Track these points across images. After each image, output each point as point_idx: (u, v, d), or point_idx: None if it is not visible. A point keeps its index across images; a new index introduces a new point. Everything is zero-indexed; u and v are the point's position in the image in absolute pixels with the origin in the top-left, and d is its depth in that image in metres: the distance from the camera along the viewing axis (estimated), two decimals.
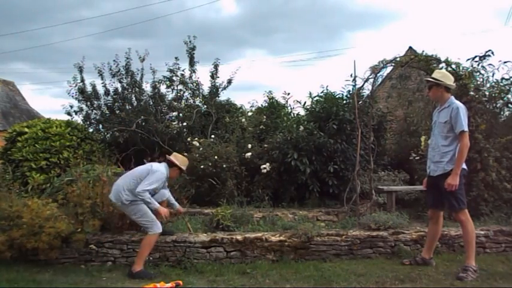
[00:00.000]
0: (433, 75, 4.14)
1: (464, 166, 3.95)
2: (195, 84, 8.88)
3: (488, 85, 6.04)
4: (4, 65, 57.14)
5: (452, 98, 4.07)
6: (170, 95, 8.86)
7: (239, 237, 4.48)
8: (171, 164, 4.42)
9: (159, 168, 4.29)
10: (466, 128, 3.85)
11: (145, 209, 4.13)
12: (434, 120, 4.18)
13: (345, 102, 6.71)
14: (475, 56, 6.00)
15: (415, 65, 6.31)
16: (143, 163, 5.01)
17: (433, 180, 4.07)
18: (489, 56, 5.93)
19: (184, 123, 8.43)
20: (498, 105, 6.16)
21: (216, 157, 6.29)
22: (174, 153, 4.64)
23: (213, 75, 8.88)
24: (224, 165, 6.24)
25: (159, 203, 4.26)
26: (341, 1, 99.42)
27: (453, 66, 5.96)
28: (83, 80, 8.97)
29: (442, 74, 4.16)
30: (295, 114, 7.92)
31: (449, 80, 4.08)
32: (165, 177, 4.32)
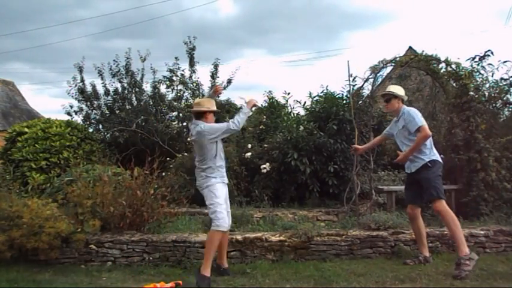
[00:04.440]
0: (389, 90, 4.45)
1: (439, 159, 4.23)
2: (195, 84, 8.89)
3: (487, 85, 6.05)
4: (2, 65, 57.17)
5: (403, 106, 4.40)
6: (170, 95, 8.89)
7: (239, 237, 4.47)
8: (200, 115, 4.04)
9: (203, 126, 3.92)
10: (422, 123, 4.12)
11: (214, 190, 3.80)
12: (395, 132, 4.48)
13: (344, 102, 6.71)
14: (475, 56, 6.01)
15: (415, 65, 6.32)
16: (143, 163, 5.03)
17: (413, 176, 4.30)
18: (488, 56, 5.93)
19: (184, 123, 8.43)
20: (498, 105, 6.17)
21: None
22: (196, 101, 4.23)
23: (213, 75, 8.90)
24: None
25: None
26: (339, 1, 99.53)
27: (453, 66, 5.97)
28: (82, 80, 8.99)
29: (396, 88, 4.49)
30: (295, 114, 7.92)
31: (403, 93, 4.46)
32: (211, 128, 3.90)
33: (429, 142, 4.22)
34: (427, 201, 4.34)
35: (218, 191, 3.86)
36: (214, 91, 4.46)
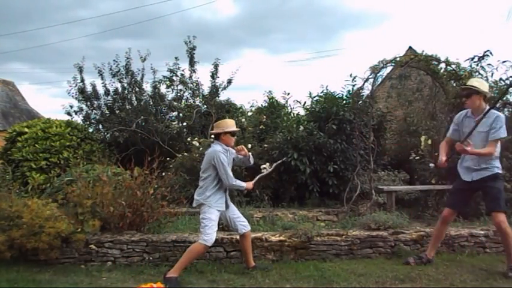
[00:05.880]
0: (471, 84, 4.08)
1: (500, 170, 4.04)
2: (195, 84, 8.90)
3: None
4: (2, 65, 57.16)
5: (487, 106, 4.03)
6: (170, 95, 8.89)
7: (239, 237, 4.47)
8: (217, 136, 4.04)
9: (213, 149, 3.94)
10: (503, 135, 3.93)
11: (210, 213, 3.87)
12: (472, 132, 3.98)
13: (344, 102, 6.72)
14: (474, 56, 6.01)
15: (415, 65, 6.33)
16: (143, 163, 5.02)
17: (472, 184, 4.05)
18: (488, 56, 5.94)
19: (184, 123, 8.44)
20: (497, 106, 6.16)
21: None
22: (215, 124, 4.17)
23: (213, 75, 8.90)
24: None
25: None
26: (338, 1, 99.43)
27: (453, 66, 5.97)
28: (82, 80, 9.00)
29: (479, 83, 4.13)
30: (295, 114, 7.93)
31: (486, 88, 4.08)
32: (223, 152, 3.92)
33: (499, 153, 4.03)
34: (490, 210, 4.06)
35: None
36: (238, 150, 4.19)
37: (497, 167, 4.01)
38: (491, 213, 4.03)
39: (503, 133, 3.90)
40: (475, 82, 4.13)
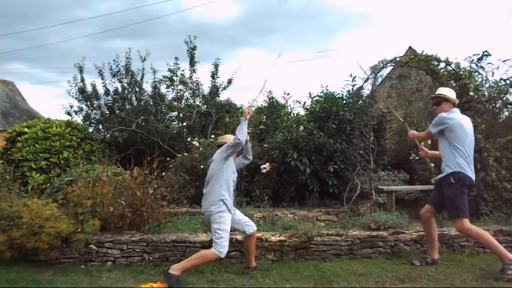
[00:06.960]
0: (440, 92, 4.24)
1: (472, 176, 4.00)
2: (195, 84, 8.92)
3: (487, 85, 6.06)
4: (2, 65, 57.20)
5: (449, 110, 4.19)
6: (170, 95, 8.91)
7: (239, 237, 4.47)
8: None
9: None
10: (430, 129, 4.21)
11: (225, 224, 3.82)
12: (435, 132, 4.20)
13: (344, 102, 6.72)
14: (472, 57, 6.02)
15: (415, 65, 6.33)
16: (143, 163, 5.02)
17: (439, 181, 4.16)
18: (486, 55, 5.94)
19: (184, 123, 8.45)
20: (497, 105, 6.17)
21: None
22: (220, 137, 4.24)
23: (214, 75, 8.91)
24: None
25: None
26: (337, 1, 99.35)
27: (453, 66, 5.97)
28: (83, 80, 9.02)
29: (448, 91, 4.27)
30: (295, 114, 7.93)
31: (454, 96, 4.25)
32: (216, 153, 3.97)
33: (455, 151, 3.96)
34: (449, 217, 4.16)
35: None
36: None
37: (450, 168, 3.98)
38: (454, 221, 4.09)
39: (431, 127, 4.14)
40: (443, 90, 4.29)
